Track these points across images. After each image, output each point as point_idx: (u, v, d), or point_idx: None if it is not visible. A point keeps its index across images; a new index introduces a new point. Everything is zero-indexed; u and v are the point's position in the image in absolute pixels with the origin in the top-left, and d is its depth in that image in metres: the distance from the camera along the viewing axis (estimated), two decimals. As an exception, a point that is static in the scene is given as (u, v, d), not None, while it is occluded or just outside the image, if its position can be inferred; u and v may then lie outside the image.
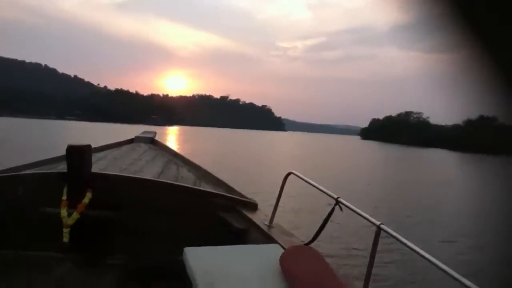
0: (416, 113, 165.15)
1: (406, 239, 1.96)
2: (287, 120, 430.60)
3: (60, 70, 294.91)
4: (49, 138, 35.72)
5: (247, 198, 3.82)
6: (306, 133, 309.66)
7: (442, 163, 51.59)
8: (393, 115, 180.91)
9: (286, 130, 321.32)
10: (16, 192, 3.30)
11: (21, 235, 3.13)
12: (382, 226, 2.08)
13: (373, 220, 2.17)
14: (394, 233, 2.02)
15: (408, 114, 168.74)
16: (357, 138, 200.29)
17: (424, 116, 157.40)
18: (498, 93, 0.54)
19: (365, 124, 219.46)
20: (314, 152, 51.18)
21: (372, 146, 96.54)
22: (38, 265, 3.09)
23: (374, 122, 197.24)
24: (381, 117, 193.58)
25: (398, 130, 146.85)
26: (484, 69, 0.54)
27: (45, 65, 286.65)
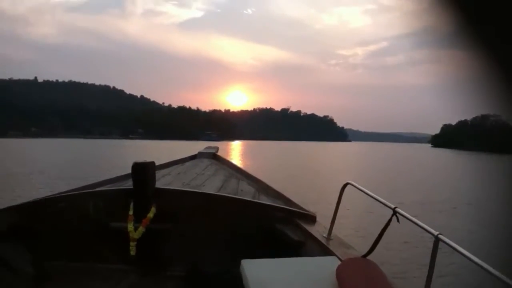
0: (494, 116, 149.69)
1: (465, 249, 1.89)
2: (351, 130, 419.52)
3: (127, 91, 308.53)
4: (118, 157, 37.52)
5: (305, 210, 3.80)
6: (371, 142, 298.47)
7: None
8: (468, 119, 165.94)
9: (350, 140, 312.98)
10: (87, 208, 3.50)
11: (92, 248, 3.37)
12: (440, 236, 2.03)
13: (431, 230, 2.12)
14: (452, 244, 1.95)
15: (484, 117, 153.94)
16: (427, 146, 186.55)
17: (503, 118, 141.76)
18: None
19: (434, 131, 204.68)
20: (379, 163, 45.89)
21: (444, 154, 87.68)
22: (106, 277, 3.27)
23: (446, 128, 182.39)
24: (453, 122, 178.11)
25: (475, 136, 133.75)
26: None
27: (113, 87, 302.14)
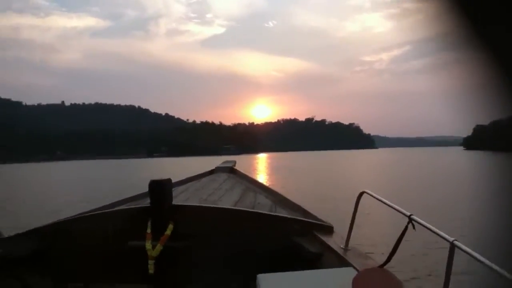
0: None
1: (481, 255, 1.85)
2: (378, 136, 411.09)
3: (153, 110, 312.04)
4: (139, 175, 37.07)
5: (322, 221, 3.76)
6: (398, 148, 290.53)
7: None
8: (503, 118, 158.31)
9: (376, 147, 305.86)
10: (106, 228, 3.51)
11: (111, 268, 3.40)
12: (456, 242, 1.99)
13: (447, 236, 2.08)
14: (468, 250, 1.92)
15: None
16: (459, 149, 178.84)
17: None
18: None
19: (464, 133, 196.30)
20: (407, 170, 42.23)
21: (479, 157, 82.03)
22: None
23: (479, 129, 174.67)
24: (486, 122, 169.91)
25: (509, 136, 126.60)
26: None
27: (139, 106, 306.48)
